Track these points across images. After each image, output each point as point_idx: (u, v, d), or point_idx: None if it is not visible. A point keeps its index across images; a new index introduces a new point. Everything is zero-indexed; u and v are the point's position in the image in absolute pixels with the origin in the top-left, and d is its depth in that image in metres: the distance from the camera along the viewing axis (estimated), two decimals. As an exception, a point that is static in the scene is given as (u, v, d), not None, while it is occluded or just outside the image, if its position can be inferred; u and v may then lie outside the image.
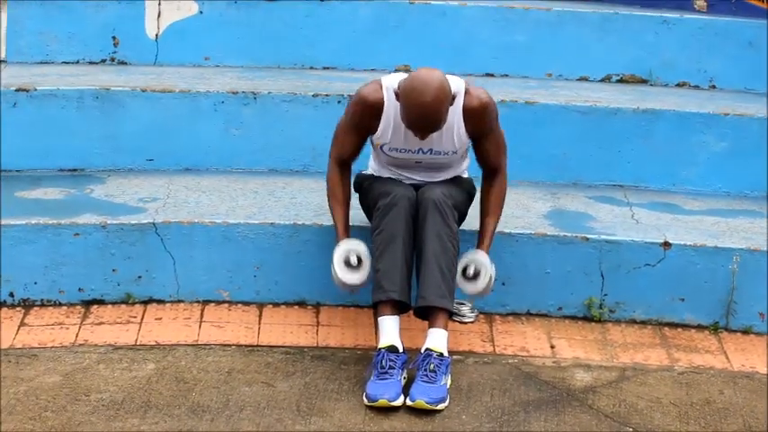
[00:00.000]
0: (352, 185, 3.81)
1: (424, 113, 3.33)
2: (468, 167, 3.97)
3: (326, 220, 3.87)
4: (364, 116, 3.62)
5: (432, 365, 3.37)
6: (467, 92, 3.60)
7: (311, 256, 3.98)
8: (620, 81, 5.26)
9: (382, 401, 3.29)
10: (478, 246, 3.69)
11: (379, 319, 3.50)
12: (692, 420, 3.35)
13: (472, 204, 3.86)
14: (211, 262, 3.99)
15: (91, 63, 5.15)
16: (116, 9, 5.12)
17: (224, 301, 4.00)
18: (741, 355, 3.81)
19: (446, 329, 3.50)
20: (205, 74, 4.99)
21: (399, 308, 3.53)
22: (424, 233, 3.55)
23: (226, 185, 4.39)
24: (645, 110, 4.64)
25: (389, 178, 3.76)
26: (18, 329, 3.70)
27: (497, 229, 3.78)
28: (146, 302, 3.95)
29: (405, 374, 3.44)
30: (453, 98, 3.44)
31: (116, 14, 5.13)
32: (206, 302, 3.99)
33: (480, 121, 3.64)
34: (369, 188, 3.77)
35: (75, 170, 4.52)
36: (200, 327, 3.79)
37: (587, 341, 3.88)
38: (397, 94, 3.49)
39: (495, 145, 3.73)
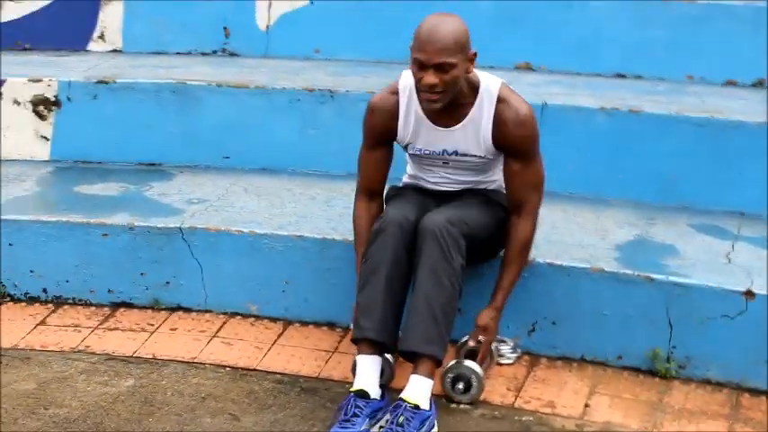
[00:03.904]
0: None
1: (432, 28, 3.00)
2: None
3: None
4: (379, 123, 3.28)
5: (401, 418, 2.93)
6: (502, 98, 3.18)
7: (342, 274, 3.63)
8: (776, 87, 4.46)
9: None
10: (490, 302, 3.22)
11: (356, 358, 3.11)
12: None
13: None
14: (239, 272, 3.76)
15: (203, 54, 5.07)
16: (228, 0, 4.99)
17: (251, 315, 3.77)
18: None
19: (431, 378, 3.06)
20: (305, 67, 4.75)
21: (381, 347, 3.12)
22: (417, 267, 3.11)
23: (289, 189, 4.15)
24: (773, 125, 3.87)
25: (404, 193, 3.38)
26: (34, 328, 3.65)
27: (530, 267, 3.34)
28: (173, 309, 3.79)
29: (381, 422, 3.02)
30: (474, 55, 3.08)
31: (228, 5, 5.02)
32: (233, 315, 3.77)
33: (511, 135, 3.19)
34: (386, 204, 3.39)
35: (152, 164, 4.44)
36: (208, 342, 3.57)
37: (636, 401, 3.28)
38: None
39: (527, 173, 3.22)
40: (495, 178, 3.41)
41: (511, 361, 3.49)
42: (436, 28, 2.99)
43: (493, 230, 3.30)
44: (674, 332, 3.39)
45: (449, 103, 3.12)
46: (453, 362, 3.23)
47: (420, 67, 3.02)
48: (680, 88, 4.43)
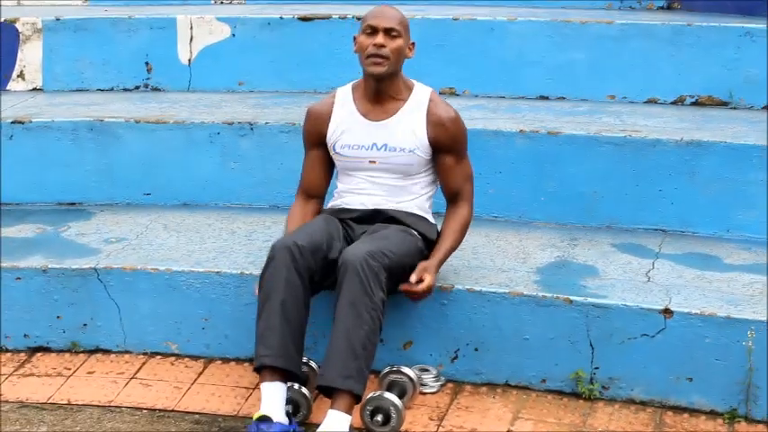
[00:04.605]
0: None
1: (383, 6, 3.36)
2: (431, 207, 3.46)
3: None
4: (315, 126, 3.46)
5: None
6: (433, 99, 3.42)
7: (262, 308, 3.56)
8: (696, 103, 4.49)
9: None
10: (431, 255, 3.32)
11: (260, 386, 3.07)
12: None
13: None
14: (157, 312, 3.68)
15: (126, 90, 5.01)
16: (148, 34, 4.98)
17: (171, 354, 3.69)
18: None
19: (348, 413, 3.00)
20: (227, 100, 4.71)
21: (284, 373, 3.08)
22: (337, 301, 3.07)
23: (210, 224, 4.09)
24: (689, 142, 3.88)
25: (313, 221, 3.37)
26: (-53, 378, 3.55)
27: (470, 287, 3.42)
28: (92, 352, 3.71)
29: None
30: (413, 45, 3.38)
31: (148, 40, 4.98)
32: (153, 354, 3.69)
33: (444, 133, 3.36)
34: None
35: (72, 204, 4.36)
36: (126, 384, 3.49)
37: (560, 425, 3.25)
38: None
39: (460, 167, 3.41)
40: (414, 194, 3.41)
41: (434, 389, 3.45)
42: (387, 7, 3.34)
43: (413, 259, 3.28)
44: (596, 353, 3.37)
45: (383, 95, 3.34)
46: (373, 393, 3.18)
47: (371, 32, 3.27)
48: (601, 108, 4.44)
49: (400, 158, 3.35)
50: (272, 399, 3.02)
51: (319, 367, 3.30)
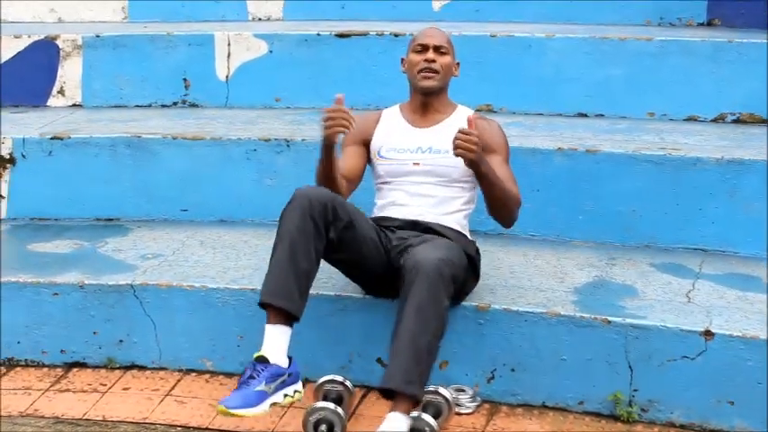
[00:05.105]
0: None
1: (432, 27, 3.54)
2: (468, 225, 3.45)
3: (320, 288, 3.47)
4: (362, 124, 3.51)
5: None
6: (475, 115, 3.47)
7: (297, 325, 3.53)
8: (737, 121, 4.43)
9: (220, 408, 2.95)
10: None
11: (265, 327, 3.11)
12: None
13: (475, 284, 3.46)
14: (193, 328, 3.68)
15: (163, 106, 5.03)
16: (186, 51, 5.00)
17: (206, 371, 3.68)
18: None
19: (408, 415, 3.03)
20: (264, 116, 4.72)
21: (287, 316, 3.10)
22: (405, 303, 3.07)
23: (245, 240, 4.08)
24: (730, 160, 3.83)
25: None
26: (-16, 392, 3.56)
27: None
28: (127, 368, 3.72)
29: (276, 386, 3.04)
30: (458, 64, 3.54)
31: (186, 56, 5.00)
32: (188, 371, 3.69)
33: (485, 133, 3.39)
34: None
35: (109, 220, 4.38)
36: (161, 401, 3.49)
37: (597, 448, 3.20)
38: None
39: (505, 168, 3.44)
40: (454, 209, 3.43)
41: (470, 410, 3.41)
42: (435, 28, 3.52)
43: (466, 275, 3.32)
44: (635, 375, 3.32)
45: (429, 109, 3.49)
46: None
47: (422, 50, 3.43)
48: (640, 126, 4.40)
49: (444, 160, 3.40)
50: (272, 341, 3.07)
51: (355, 386, 3.32)
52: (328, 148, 3.27)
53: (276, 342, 3.08)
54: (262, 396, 3.01)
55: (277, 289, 3.08)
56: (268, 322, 3.10)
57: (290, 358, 3.11)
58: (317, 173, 3.36)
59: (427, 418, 3.13)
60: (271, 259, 3.15)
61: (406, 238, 3.36)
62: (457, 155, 3.19)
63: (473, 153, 3.17)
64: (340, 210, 3.20)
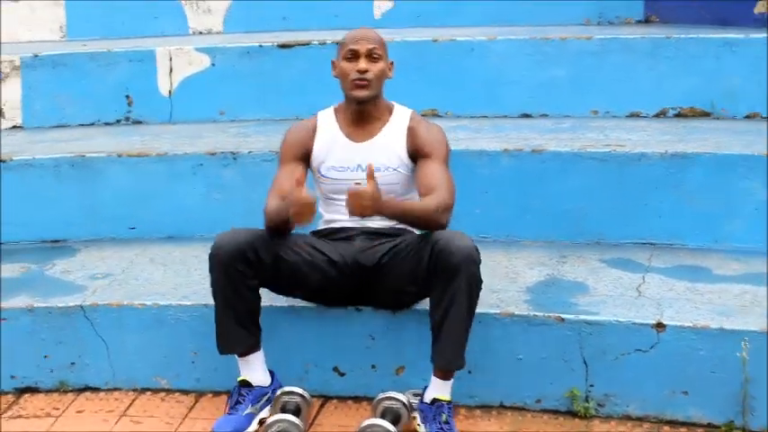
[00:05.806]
0: None
1: (362, 29, 3.44)
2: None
3: (273, 300, 3.45)
4: (299, 139, 3.47)
5: (444, 416, 3.15)
6: (414, 118, 3.48)
7: (252, 339, 3.53)
8: (678, 115, 4.49)
9: None
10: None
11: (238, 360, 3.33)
12: None
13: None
14: (146, 347, 3.64)
15: (107, 124, 4.99)
16: (128, 67, 4.96)
17: (161, 390, 3.64)
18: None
19: (450, 382, 3.24)
20: (209, 130, 4.69)
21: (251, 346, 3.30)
22: (453, 283, 3.10)
23: (196, 256, 4.04)
24: (674, 154, 3.87)
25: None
26: (-67, 423, 3.49)
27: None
28: (81, 390, 3.66)
29: (261, 404, 3.30)
30: (392, 64, 3.43)
31: (128, 73, 4.96)
32: (143, 391, 3.64)
33: (423, 137, 3.39)
34: None
35: (56, 241, 4.32)
36: (117, 422, 3.45)
37: (556, 445, 3.21)
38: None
39: (439, 173, 3.32)
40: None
41: (429, 414, 3.40)
42: (365, 29, 3.42)
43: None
44: (590, 370, 3.34)
45: (366, 117, 3.40)
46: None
47: (352, 56, 3.33)
48: (584, 124, 4.44)
49: (385, 178, 3.34)
50: (249, 366, 3.30)
51: (312, 396, 3.37)
52: (292, 222, 3.23)
53: (252, 366, 3.30)
54: (250, 417, 3.26)
55: (228, 339, 3.27)
56: (238, 357, 3.31)
57: (271, 372, 3.33)
58: (271, 212, 3.30)
59: (386, 424, 3.12)
60: (214, 310, 3.28)
61: (378, 243, 3.36)
62: (351, 216, 3.20)
63: (368, 210, 3.15)
64: (261, 251, 3.22)
